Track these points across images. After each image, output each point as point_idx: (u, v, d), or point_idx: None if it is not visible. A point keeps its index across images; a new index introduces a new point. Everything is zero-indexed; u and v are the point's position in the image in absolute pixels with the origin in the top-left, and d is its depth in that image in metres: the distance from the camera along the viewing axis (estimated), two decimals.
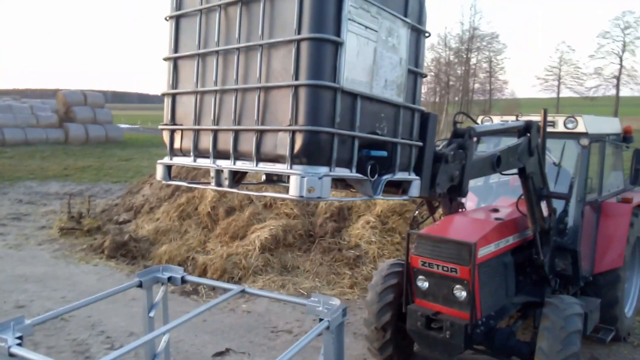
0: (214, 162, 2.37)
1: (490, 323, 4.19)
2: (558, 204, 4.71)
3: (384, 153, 2.36)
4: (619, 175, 5.89)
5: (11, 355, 1.88)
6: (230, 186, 2.30)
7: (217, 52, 2.33)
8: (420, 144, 2.63)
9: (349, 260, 7.42)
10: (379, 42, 2.20)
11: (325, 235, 7.98)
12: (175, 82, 2.58)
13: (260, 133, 2.17)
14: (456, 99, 57.70)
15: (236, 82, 2.26)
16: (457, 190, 3.09)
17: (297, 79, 2.02)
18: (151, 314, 2.75)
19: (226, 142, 2.30)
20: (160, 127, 2.70)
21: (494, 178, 5.60)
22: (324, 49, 2.00)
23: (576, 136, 4.95)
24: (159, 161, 2.70)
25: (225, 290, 2.77)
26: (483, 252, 4.05)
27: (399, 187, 2.59)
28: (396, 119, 2.44)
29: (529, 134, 4.03)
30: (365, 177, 2.24)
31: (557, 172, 5.09)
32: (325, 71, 2.01)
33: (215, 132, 2.37)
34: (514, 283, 4.55)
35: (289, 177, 2.06)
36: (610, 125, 5.74)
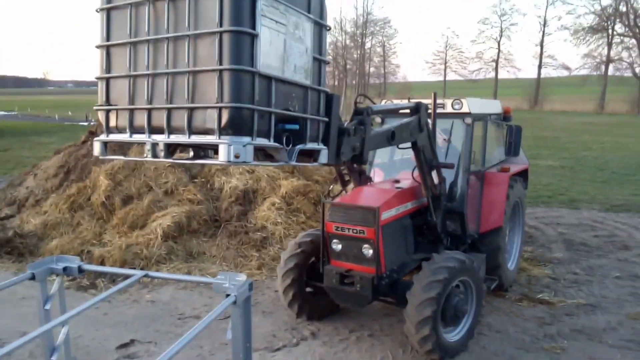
0: (149, 137, 2.69)
1: (394, 276, 4.82)
2: (448, 174, 5.42)
3: (296, 126, 2.81)
4: (500, 149, 6.65)
5: None
6: (166, 157, 2.64)
7: (147, 41, 2.64)
8: (326, 119, 3.15)
9: (256, 243, 7.48)
10: (287, 34, 2.64)
11: (231, 219, 7.95)
12: (108, 67, 2.85)
13: (191, 110, 2.52)
14: (353, 82, 59.50)
15: (167, 67, 2.60)
16: (359, 159, 3.74)
17: (221, 64, 2.39)
18: (47, 307, 2.61)
19: (160, 119, 2.64)
20: (95, 108, 2.91)
21: (398, 155, 6.29)
22: (243, 40, 2.38)
23: (461, 116, 5.66)
24: (95, 138, 2.95)
25: (127, 277, 2.70)
26: (385, 215, 4.70)
27: (311, 156, 3.12)
28: (305, 98, 2.92)
29: (418, 113, 4.69)
30: (281, 146, 2.69)
31: (447, 147, 5.82)
32: (245, 58, 2.39)
33: (150, 111, 2.68)
34: (413, 242, 5.23)
35: (215, 150, 2.44)
36: (492, 106, 6.51)
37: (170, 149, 2.71)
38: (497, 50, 62.19)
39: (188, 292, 6.26)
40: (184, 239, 7.57)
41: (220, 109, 2.40)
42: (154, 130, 2.69)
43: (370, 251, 4.60)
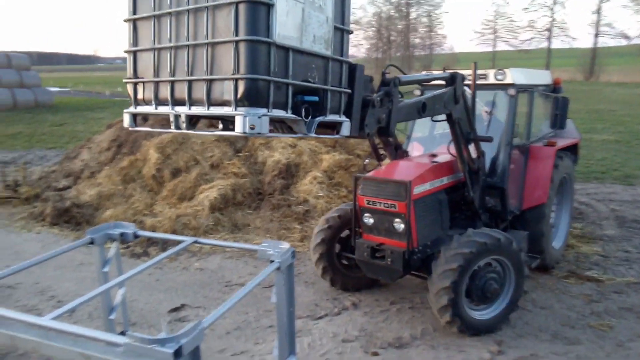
0: (172, 109, 2.73)
1: (427, 251, 4.80)
2: (489, 148, 5.26)
3: (316, 98, 2.76)
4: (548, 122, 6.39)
5: None
6: (187, 128, 2.68)
7: (169, 13, 2.64)
8: (349, 90, 3.07)
9: (299, 215, 7.62)
10: (306, 3, 2.58)
11: (274, 193, 8.12)
12: (135, 41, 2.88)
13: (210, 82, 2.53)
14: (398, 54, 58.19)
15: (187, 39, 2.60)
16: (385, 131, 3.67)
17: (237, 35, 2.36)
18: (105, 269, 2.81)
19: (182, 91, 2.66)
20: (124, 80, 2.98)
21: (438, 129, 6.11)
22: (258, 10, 2.35)
23: (505, 87, 5.42)
24: (125, 110, 3.02)
25: (178, 243, 2.85)
26: (418, 190, 4.67)
27: (334, 128, 3.07)
28: (326, 69, 2.85)
29: (454, 85, 4.54)
30: (300, 118, 2.66)
31: (489, 119, 5.61)
32: (260, 28, 2.36)
33: (172, 83, 2.71)
34: (448, 217, 5.12)
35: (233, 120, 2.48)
36: (541, 77, 6.20)
37: (192, 120, 2.74)
38: (550, 19, 58.98)
39: (234, 261, 6.49)
40: (230, 210, 7.81)
41: (236, 80, 2.40)
42: (177, 102, 2.72)
43: (402, 225, 4.60)
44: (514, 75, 5.40)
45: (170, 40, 2.67)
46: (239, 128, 2.41)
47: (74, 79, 64.32)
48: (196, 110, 2.64)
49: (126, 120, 3.03)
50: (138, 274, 2.43)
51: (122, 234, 2.86)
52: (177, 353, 1.56)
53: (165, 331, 1.63)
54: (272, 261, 2.38)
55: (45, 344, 1.60)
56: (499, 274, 4.62)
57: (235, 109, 2.42)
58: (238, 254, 6.66)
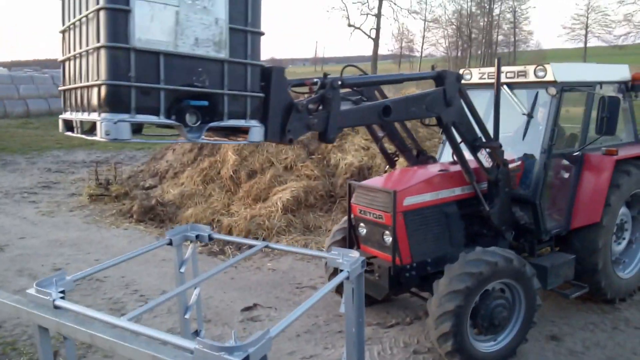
0: (72, 114, 2.80)
1: (427, 269, 4.40)
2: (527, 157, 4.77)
3: (205, 103, 2.65)
4: (629, 127, 5.53)
5: (56, 307, 2.04)
6: (81, 133, 2.72)
7: (72, 25, 2.69)
8: (260, 94, 2.89)
9: None
10: (182, 5, 2.49)
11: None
12: (63, 51, 2.93)
13: (88, 88, 2.54)
14: (479, 52, 56.12)
15: (73, 50, 2.69)
16: (323, 137, 3.36)
17: (98, 42, 2.39)
18: (182, 270, 2.91)
19: (79, 98, 2.71)
20: (59, 88, 3.05)
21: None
22: (115, 16, 2.33)
23: (546, 85, 4.72)
24: (60, 116, 3.02)
25: (250, 246, 2.90)
26: (410, 201, 4.29)
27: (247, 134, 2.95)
28: (221, 72, 2.69)
29: (444, 85, 4.03)
30: (177, 123, 2.56)
31: (527, 122, 4.96)
32: (119, 34, 2.33)
33: (73, 90, 2.76)
34: (462, 233, 4.65)
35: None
36: (611, 72, 5.36)
37: (134, 127, 2.68)
38: None
39: (305, 263, 6.54)
40: (302, 212, 7.89)
41: (99, 87, 2.40)
42: (79, 108, 2.73)
43: (391, 238, 4.24)
44: (556, 72, 4.65)
45: (70, 51, 2.75)
46: (98, 134, 2.42)
47: None
48: (81, 116, 2.67)
49: (60, 125, 3.07)
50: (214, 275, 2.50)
51: (197, 236, 2.95)
52: None
53: (234, 338, 1.64)
54: (341, 270, 2.34)
55: (120, 344, 1.67)
56: (507, 300, 4.13)
57: (99, 115, 2.41)
58: (309, 256, 6.70)
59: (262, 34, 2.84)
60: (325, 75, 3.41)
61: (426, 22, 58.26)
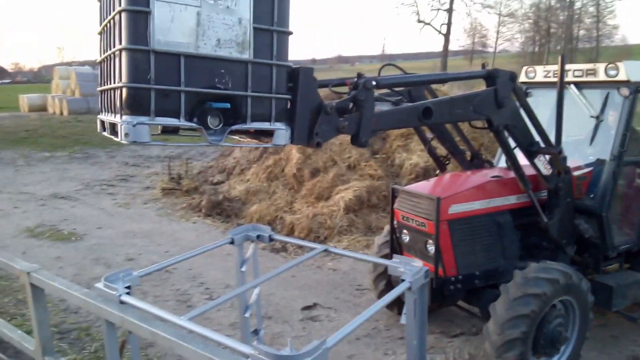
0: (104, 115, 2.82)
1: (475, 282, 4.12)
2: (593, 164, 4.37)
3: (227, 105, 2.58)
4: None
5: (121, 302, 2.12)
6: (110, 134, 2.70)
7: (104, 28, 2.73)
8: (286, 96, 2.79)
9: None
10: (203, 6, 2.44)
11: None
12: (100, 53, 2.94)
13: (114, 90, 2.54)
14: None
15: (105, 52, 2.69)
16: (355, 140, 3.14)
17: (120, 44, 2.39)
18: (243, 269, 2.94)
19: (109, 99, 2.72)
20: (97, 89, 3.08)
21: (567, 137, 4.89)
22: (136, 18, 2.32)
23: (617, 85, 4.32)
24: (98, 116, 3.05)
25: (310, 249, 2.88)
26: (456, 209, 4.01)
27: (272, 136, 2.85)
28: (245, 74, 2.62)
29: (495, 85, 3.72)
30: (198, 126, 2.51)
31: (596, 126, 4.54)
32: (140, 36, 2.32)
33: (104, 92, 2.79)
34: (517, 245, 4.33)
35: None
36: None
37: (170, 128, 2.73)
38: None
39: (367, 265, 6.43)
40: (364, 212, 7.80)
41: (120, 89, 2.39)
42: (111, 109, 2.73)
43: (434, 248, 3.99)
44: (630, 70, 4.23)
45: (101, 53, 2.78)
46: (118, 136, 2.43)
47: None
48: (108, 117, 2.68)
49: (98, 125, 3.10)
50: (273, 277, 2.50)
51: (259, 236, 2.97)
52: None
53: (290, 347, 1.61)
54: (402, 280, 2.25)
55: (179, 343, 1.69)
56: (564, 317, 3.85)
57: (120, 118, 2.41)
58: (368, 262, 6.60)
59: (290, 33, 2.76)
60: (359, 75, 3.24)
61: (501, 17, 55.91)
